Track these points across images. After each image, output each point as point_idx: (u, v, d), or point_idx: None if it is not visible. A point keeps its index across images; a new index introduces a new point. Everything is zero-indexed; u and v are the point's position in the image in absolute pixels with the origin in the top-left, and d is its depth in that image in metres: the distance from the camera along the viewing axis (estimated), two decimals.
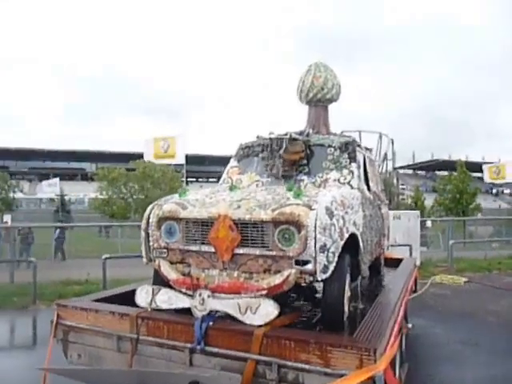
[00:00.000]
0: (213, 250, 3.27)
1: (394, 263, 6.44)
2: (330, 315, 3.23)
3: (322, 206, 3.10)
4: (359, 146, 4.74)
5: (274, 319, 2.92)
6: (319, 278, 3.02)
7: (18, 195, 41.14)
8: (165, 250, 3.51)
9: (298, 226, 3.02)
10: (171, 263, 3.49)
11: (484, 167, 20.14)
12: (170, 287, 3.38)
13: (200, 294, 3.17)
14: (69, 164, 60.12)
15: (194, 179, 58.67)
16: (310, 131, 5.24)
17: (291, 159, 4.41)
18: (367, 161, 5.08)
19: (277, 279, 3.05)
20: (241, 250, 3.19)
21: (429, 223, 22.68)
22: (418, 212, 13.04)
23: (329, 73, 5.48)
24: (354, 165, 4.34)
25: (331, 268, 3.07)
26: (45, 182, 29.48)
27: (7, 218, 26.63)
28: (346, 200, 3.52)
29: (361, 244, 3.76)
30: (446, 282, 9.46)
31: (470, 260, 12.62)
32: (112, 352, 3.20)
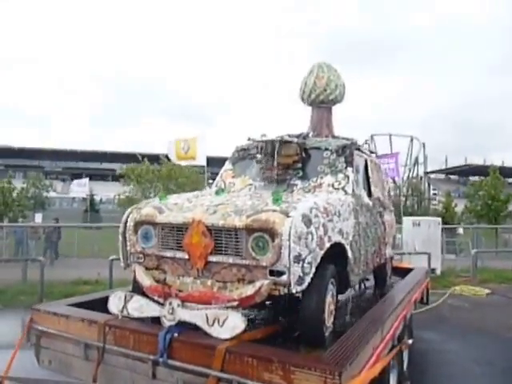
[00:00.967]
0: (187, 256, 3.13)
1: (405, 273, 6.12)
2: (309, 330, 3.02)
3: (298, 213, 2.90)
4: (358, 149, 4.49)
5: (241, 333, 2.74)
6: (294, 291, 2.83)
7: (52, 194, 42.42)
8: (141, 255, 3.39)
9: (272, 233, 2.83)
10: (147, 269, 3.37)
11: None
12: (145, 294, 3.25)
13: (170, 303, 3.01)
14: (101, 165, 61.67)
15: None
16: (311, 134, 5.06)
17: (284, 163, 4.22)
18: (370, 165, 4.82)
19: (249, 290, 2.87)
20: (214, 258, 3.04)
21: (460, 230, 21.88)
22: (438, 219, 12.49)
23: (332, 73, 5.26)
24: (350, 169, 4.11)
25: (307, 280, 2.87)
26: (75, 182, 30.22)
27: (38, 216, 27.41)
28: (330, 207, 3.30)
29: (349, 254, 3.53)
30: (466, 294, 8.99)
31: (495, 270, 11.96)
32: (80, 360, 3.09)
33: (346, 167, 4.13)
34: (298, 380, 2.34)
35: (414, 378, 4.73)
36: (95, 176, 53.52)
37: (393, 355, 3.63)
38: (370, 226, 4.24)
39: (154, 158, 25.12)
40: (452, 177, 66.01)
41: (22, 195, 28.16)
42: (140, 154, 25.45)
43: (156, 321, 3.04)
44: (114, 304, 3.26)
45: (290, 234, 2.79)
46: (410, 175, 38.14)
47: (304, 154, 4.27)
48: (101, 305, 3.46)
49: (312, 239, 2.91)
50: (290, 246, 2.78)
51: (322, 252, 3.01)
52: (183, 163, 19.69)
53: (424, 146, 40.03)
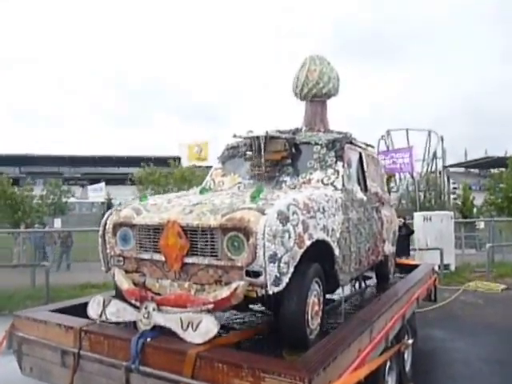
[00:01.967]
0: (163, 258, 3.03)
1: (410, 270, 5.91)
2: (290, 333, 2.89)
3: (273, 210, 2.77)
4: (351, 142, 4.33)
5: (214, 337, 2.63)
6: (270, 292, 2.70)
7: (72, 200, 43.07)
8: (121, 258, 3.31)
9: (247, 232, 2.71)
10: (127, 272, 3.29)
11: None
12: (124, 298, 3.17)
13: (146, 307, 2.93)
14: (118, 169, 62.41)
15: None
16: (304, 129, 4.92)
17: (273, 159, 4.10)
18: (365, 159, 4.65)
19: (224, 292, 2.76)
20: (190, 259, 2.93)
21: (481, 224, 21.31)
22: (450, 213, 12.12)
23: (325, 66, 5.10)
24: (340, 163, 3.96)
25: (285, 280, 2.74)
26: (90, 187, 30.53)
27: (57, 221, 27.80)
28: (313, 203, 3.16)
29: (336, 251, 3.38)
30: (481, 290, 8.67)
31: None
32: (58, 367, 3.03)
33: (336, 162, 3.98)
34: None
35: (418, 379, 4.55)
36: (113, 180, 54.16)
37: (387, 357, 3.47)
38: (364, 222, 4.08)
39: (165, 161, 25.30)
40: (472, 170, 64.52)
41: (42, 202, 28.64)
42: (153, 158, 25.56)
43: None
44: (93, 309, 3.20)
45: (264, 233, 2.66)
46: (429, 169, 37.43)
47: (294, 150, 4.14)
48: (85, 310, 3.40)
49: (289, 237, 2.78)
50: (264, 245, 2.65)
51: (302, 250, 2.87)
52: (194, 163, 19.83)
53: (442, 140, 39.13)
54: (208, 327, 2.64)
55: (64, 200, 41.21)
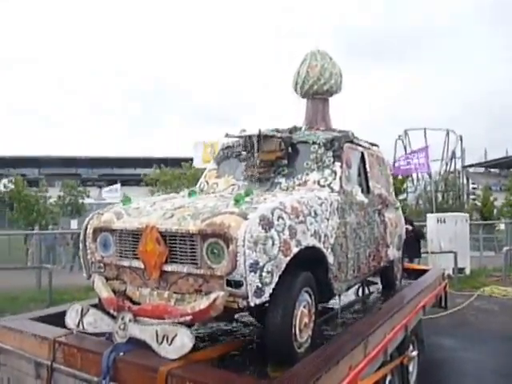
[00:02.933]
0: (143, 265, 2.85)
1: (419, 276, 5.63)
2: (275, 347, 2.68)
3: (256, 215, 2.56)
4: (351, 141, 4.09)
5: (188, 352, 2.43)
6: (252, 303, 2.49)
7: (88, 201, 43.53)
8: (102, 265, 3.15)
9: (227, 239, 2.51)
10: (108, 279, 3.12)
11: None
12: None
13: (122, 318, 2.75)
14: (135, 170, 62.88)
15: None
16: (304, 127, 4.70)
17: (267, 159, 3.89)
18: (368, 159, 4.41)
19: (202, 303, 2.56)
20: (170, 267, 2.74)
21: (502, 225, 20.69)
22: (466, 215, 11.68)
23: (326, 61, 4.88)
24: (337, 164, 3.73)
25: (268, 290, 2.53)
26: (105, 189, 30.70)
27: (74, 222, 28.04)
28: (303, 206, 2.94)
29: (330, 259, 3.15)
30: (497, 295, 8.29)
31: None
32: (33, 379, 2.88)
33: (333, 162, 3.75)
34: None
35: None
36: (130, 181, 54.60)
37: (384, 373, 3.23)
38: (363, 226, 3.84)
39: (180, 162, 25.26)
40: (492, 170, 63.02)
41: (58, 203, 28.99)
42: (168, 159, 25.55)
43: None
44: (71, 318, 3.03)
45: (244, 240, 2.46)
46: (447, 169, 36.68)
47: (291, 150, 3.93)
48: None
49: (273, 244, 2.56)
50: (245, 252, 2.45)
51: (287, 259, 2.65)
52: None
53: (461, 139, 38.38)
54: (183, 341, 2.45)
55: (80, 201, 41.73)
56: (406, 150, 30.27)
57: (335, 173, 3.68)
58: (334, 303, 3.95)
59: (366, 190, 4.26)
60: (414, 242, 8.88)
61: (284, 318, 2.64)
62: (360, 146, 4.32)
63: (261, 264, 2.48)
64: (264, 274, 2.50)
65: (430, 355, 5.29)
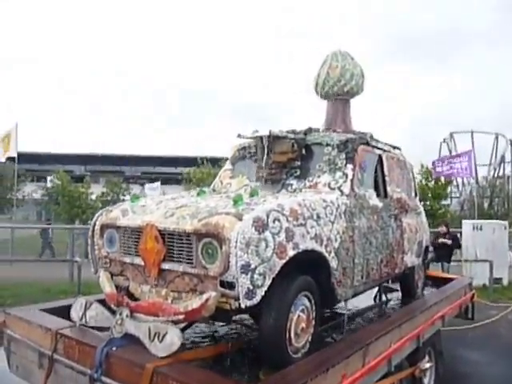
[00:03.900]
0: (143, 263, 2.90)
1: (444, 284, 5.40)
2: (267, 351, 2.65)
3: (250, 216, 2.54)
4: (367, 143, 3.98)
5: (177, 351, 2.44)
6: (243, 305, 2.47)
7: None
8: (107, 260, 3.22)
9: (220, 239, 2.51)
10: (113, 275, 3.19)
11: None
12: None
13: (120, 313, 2.81)
14: (175, 169, 64.23)
15: None
16: (321, 128, 4.62)
17: (279, 161, 3.86)
18: (387, 162, 4.28)
19: (195, 303, 2.57)
20: (167, 265, 2.77)
21: None
22: (505, 222, 11.07)
23: (347, 62, 4.78)
24: (349, 166, 3.65)
25: (259, 293, 2.50)
26: (147, 186, 31.44)
27: None
28: (304, 209, 2.89)
29: (333, 263, 3.07)
30: None
31: None
32: (37, 368, 2.99)
33: (345, 164, 3.67)
34: None
35: None
36: (170, 180, 55.82)
37: (390, 383, 3.12)
38: (375, 231, 3.72)
39: (218, 161, 25.50)
40: None
41: (100, 199, 30.01)
42: (203, 158, 25.83)
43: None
44: (76, 311, 3.14)
45: (237, 241, 2.44)
46: (495, 175, 35.03)
47: (304, 151, 3.88)
48: None
49: (266, 246, 2.53)
50: (237, 254, 2.43)
51: (283, 261, 2.61)
52: None
53: (511, 143, 36.56)
54: (172, 340, 2.47)
55: (122, 198, 42.99)
56: (451, 154, 29.20)
57: (346, 175, 3.60)
58: (343, 309, 3.86)
59: (384, 194, 4.13)
60: (445, 247, 8.57)
61: (277, 321, 2.60)
62: (378, 148, 4.20)
63: (252, 266, 2.46)
64: (256, 276, 2.47)
65: (452, 368, 5.07)
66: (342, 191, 3.50)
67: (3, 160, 16.68)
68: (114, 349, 2.57)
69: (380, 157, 4.19)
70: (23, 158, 21.34)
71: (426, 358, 4.02)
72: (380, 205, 3.92)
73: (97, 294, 3.76)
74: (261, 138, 3.82)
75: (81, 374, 2.65)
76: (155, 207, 3.12)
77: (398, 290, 5.08)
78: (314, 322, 2.93)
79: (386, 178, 4.23)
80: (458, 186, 33.04)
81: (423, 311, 3.88)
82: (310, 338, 2.89)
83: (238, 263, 2.43)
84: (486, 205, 28.22)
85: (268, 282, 2.52)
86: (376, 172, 4.11)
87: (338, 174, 3.64)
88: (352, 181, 3.58)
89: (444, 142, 35.40)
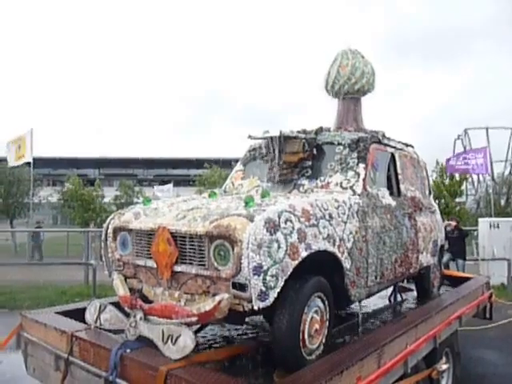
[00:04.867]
0: (155, 265, 2.91)
1: (460, 284, 5.32)
2: (281, 353, 2.63)
3: (261, 217, 2.53)
4: (380, 142, 3.94)
5: (190, 353, 2.44)
6: (256, 307, 2.46)
7: None
8: (121, 263, 3.24)
9: (232, 241, 2.50)
10: (127, 278, 3.21)
11: None
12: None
13: (134, 316, 2.82)
14: (188, 171, 64.56)
15: None
16: (332, 128, 4.59)
17: (290, 161, 3.84)
18: (400, 160, 4.24)
19: (207, 305, 2.56)
20: (179, 268, 2.78)
21: None
22: None
23: (358, 60, 4.74)
24: (361, 165, 3.61)
25: (272, 295, 2.48)
26: (157, 188, 31.59)
27: None
28: (316, 209, 2.87)
29: (346, 263, 3.04)
30: None
31: None
32: (53, 370, 3.02)
33: (357, 163, 3.64)
34: None
35: None
36: (183, 182, 56.09)
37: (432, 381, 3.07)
38: (389, 231, 3.67)
39: (231, 162, 25.58)
40: None
41: (114, 202, 30.31)
42: (221, 160, 25.92)
43: None
44: (90, 314, 3.16)
45: (248, 242, 2.43)
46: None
47: (316, 151, 3.86)
48: None
49: (278, 247, 2.51)
50: (248, 255, 2.42)
51: (295, 262, 2.59)
52: None
53: None
54: (186, 342, 2.46)
55: (135, 200, 43.35)
56: (465, 151, 28.80)
57: (358, 175, 3.57)
58: (357, 310, 3.82)
59: (397, 193, 4.09)
60: (459, 241, 8.53)
61: (291, 322, 2.58)
62: (390, 146, 4.15)
63: (265, 267, 2.44)
64: (268, 277, 2.46)
65: (470, 369, 4.99)
66: (354, 191, 3.46)
67: (15, 164, 16.91)
68: (128, 351, 2.58)
69: (392, 155, 4.15)
70: (39, 162, 21.68)
71: (443, 359, 3.95)
72: (393, 203, 3.88)
73: (112, 297, 3.80)
74: (271, 138, 3.81)
75: (96, 377, 2.67)
76: (167, 210, 3.13)
77: (413, 290, 5.02)
78: (327, 324, 2.91)
79: (399, 177, 4.19)
80: (473, 183, 32.58)
81: (439, 311, 3.82)
82: (323, 340, 2.87)
83: (250, 265, 2.41)
84: (502, 202, 27.77)
85: (281, 283, 2.51)
86: (389, 170, 4.07)
87: (350, 173, 3.61)
88: (364, 180, 3.54)
89: (458, 138, 34.89)
